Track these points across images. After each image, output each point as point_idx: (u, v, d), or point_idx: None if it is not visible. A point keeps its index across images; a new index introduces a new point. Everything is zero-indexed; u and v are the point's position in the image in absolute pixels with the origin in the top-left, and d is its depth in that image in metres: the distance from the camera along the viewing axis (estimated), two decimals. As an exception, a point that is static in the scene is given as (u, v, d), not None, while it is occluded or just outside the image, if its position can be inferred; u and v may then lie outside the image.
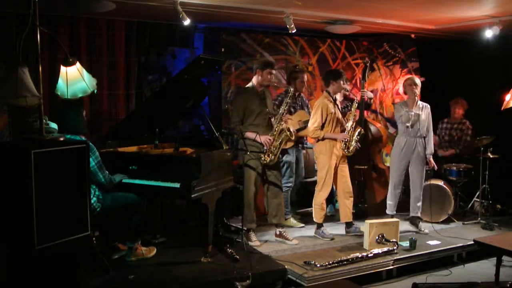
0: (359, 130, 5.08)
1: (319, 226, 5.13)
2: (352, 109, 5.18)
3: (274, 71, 4.86)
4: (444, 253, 4.84)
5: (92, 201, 3.78)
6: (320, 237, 5.07)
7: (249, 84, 4.90)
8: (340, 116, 5.08)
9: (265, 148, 4.73)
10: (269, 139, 4.71)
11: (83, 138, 3.80)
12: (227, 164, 4.51)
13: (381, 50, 7.20)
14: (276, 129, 4.77)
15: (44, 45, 3.68)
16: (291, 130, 4.84)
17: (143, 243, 4.33)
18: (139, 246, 4.25)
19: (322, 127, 4.99)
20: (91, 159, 3.72)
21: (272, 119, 4.89)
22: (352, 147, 5.03)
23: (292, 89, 4.97)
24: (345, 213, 5.17)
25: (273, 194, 4.94)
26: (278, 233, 5.02)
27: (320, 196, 5.08)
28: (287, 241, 4.94)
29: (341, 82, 5.08)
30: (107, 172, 3.90)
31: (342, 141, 4.99)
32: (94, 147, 3.80)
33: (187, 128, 6.15)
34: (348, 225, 5.22)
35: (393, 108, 7.29)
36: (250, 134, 4.74)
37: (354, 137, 5.04)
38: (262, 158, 4.73)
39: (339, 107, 5.15)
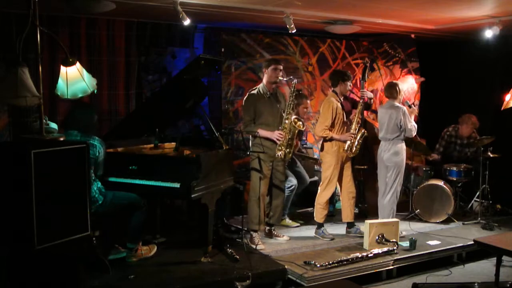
0: (362, 131, 5.07)
1: (320, 226, 5.13)
2: (357, 111, 5.17)
3: (280, 67, 4.78)
4: (444, 253, 4.85)
5: (95, 194, 3.82)
6: (320, 237, 5.07)
7: (260, 85, 4.88)
8: (345, 117, 5.08)
9: (279, 143, 4.70)
10: (280, 134, 4.69)
11: (96, 137, 3.88)
12: (227, 164, 4.51)
13: (381, 50, 7.19)
14: (287, 121, 4.73)
15: (44, 45, 3.68)
16: (298, 118, 4.80)
17: (143, 243, 4.32)
18: (140, 247, 4.25)
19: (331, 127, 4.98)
20: (101, 151, 3.87)
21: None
22: (355, 149, 5.03)
23: (295, 81, 4.83)
24: (347, 214, 5.17)
25: (274, 195, 4.94)
26: (267, 231, 5.05)
27: (323, 196, 5.07)
28: (279, 238, 4.97)
29: (349, 83, 5.09)
30: None
31: (346, 142, 4.99)
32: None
33: (187, 128, 6.15)
34: (350, 225, 5.22)
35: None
36: (263, 132, 4.72)
37: (357, 139, 5.03)
38: (277, 154, 4.69)
39: (344, 108, 5.14)
